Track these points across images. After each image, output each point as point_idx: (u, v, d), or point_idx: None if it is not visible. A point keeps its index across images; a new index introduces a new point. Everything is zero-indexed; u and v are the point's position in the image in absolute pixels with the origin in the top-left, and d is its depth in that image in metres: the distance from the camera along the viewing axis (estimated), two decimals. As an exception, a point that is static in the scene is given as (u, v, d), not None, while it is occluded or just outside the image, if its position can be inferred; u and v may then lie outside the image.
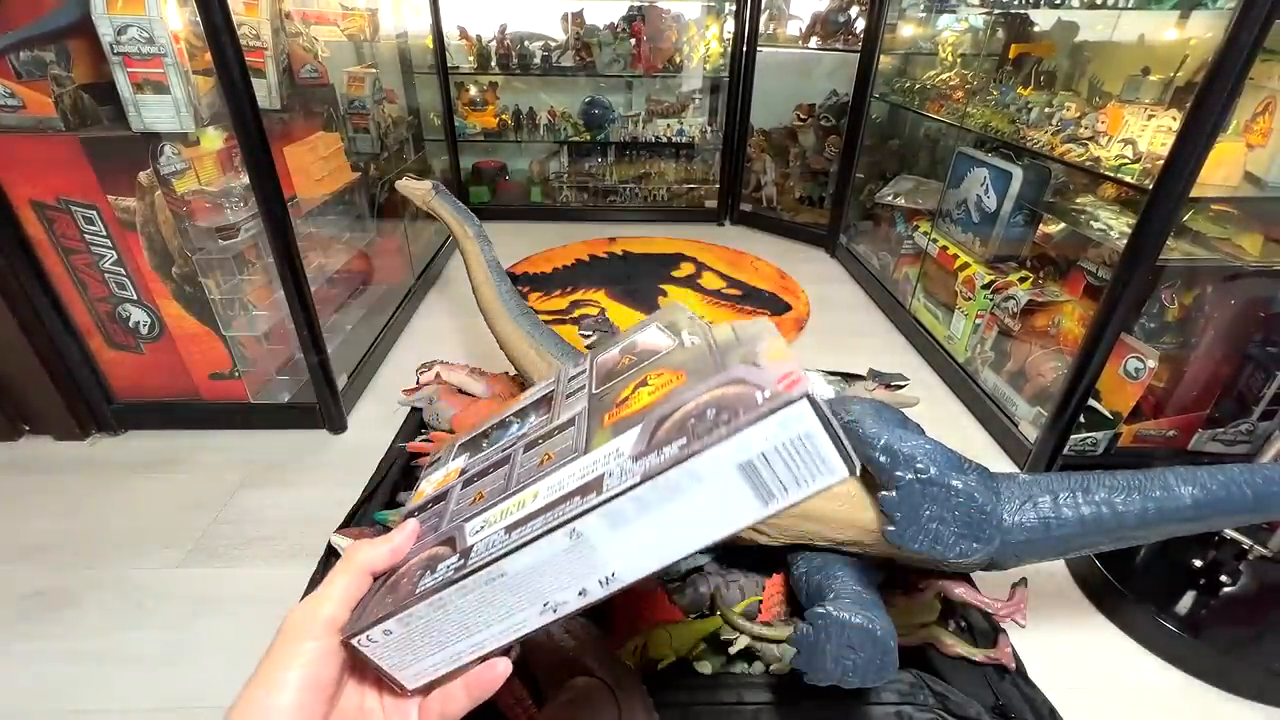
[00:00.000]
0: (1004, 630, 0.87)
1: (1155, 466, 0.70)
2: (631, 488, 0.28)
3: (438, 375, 1.22)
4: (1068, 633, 1.00)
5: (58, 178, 1.11)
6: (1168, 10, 1.33)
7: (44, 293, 1.19)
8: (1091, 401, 1.27)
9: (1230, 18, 0.90)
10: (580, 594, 0.31)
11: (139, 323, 1.27)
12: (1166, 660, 0.95)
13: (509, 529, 0.31)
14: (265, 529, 1.13)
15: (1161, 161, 1.02)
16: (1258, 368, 1.22)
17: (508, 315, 1.18)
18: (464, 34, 2.61)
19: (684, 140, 2.78)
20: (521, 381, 1.19)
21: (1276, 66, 1.06)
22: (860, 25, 2.35)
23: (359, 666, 0.34)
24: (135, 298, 1.24)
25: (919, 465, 0.66)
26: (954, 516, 0.66)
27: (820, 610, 0.67)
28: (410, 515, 0.41)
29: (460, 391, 1.21)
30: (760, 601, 0.88)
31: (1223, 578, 0.99)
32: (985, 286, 1.54)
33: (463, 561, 0.31)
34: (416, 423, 1.28)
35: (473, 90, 2.73)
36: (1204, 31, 1.28)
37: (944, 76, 1.99)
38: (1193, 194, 1.00)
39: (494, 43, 2.61)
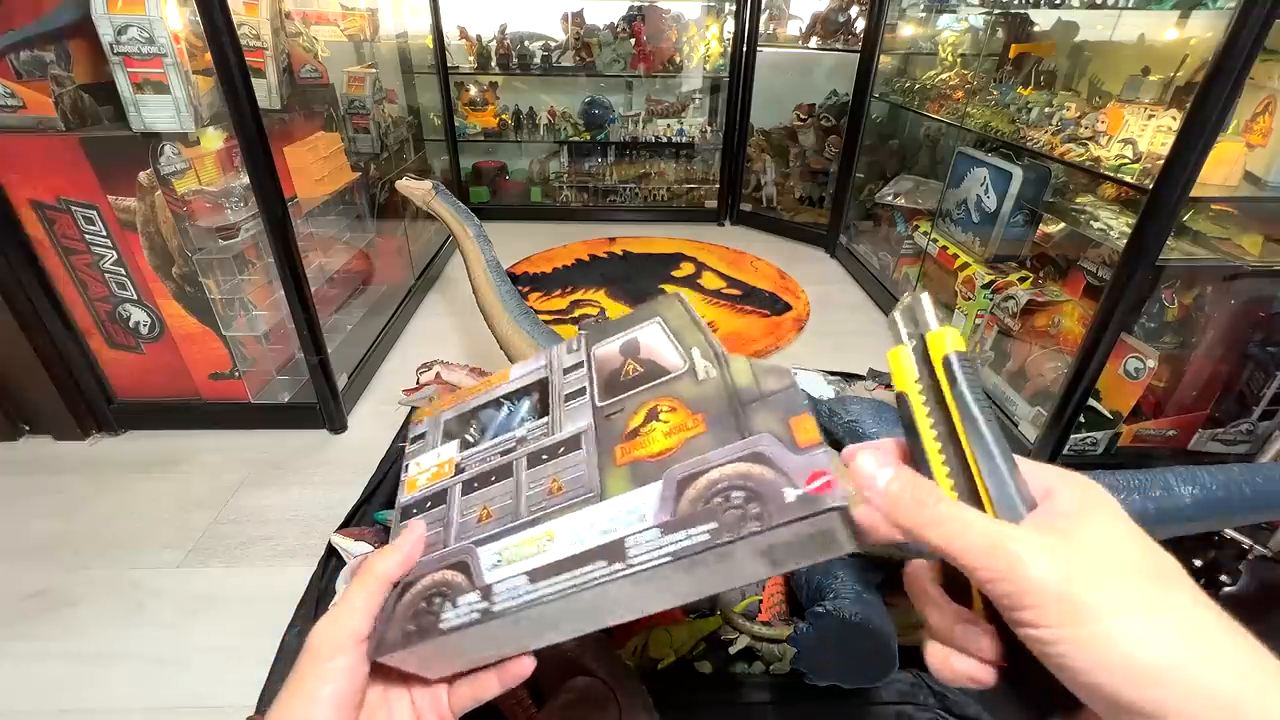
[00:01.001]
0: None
1: (1155, 466, 0.70)
2: (660, 565, 0.30)
3: (438, 375, 1.22)
4: (1068, 633, 1.00)
5: (58, 178, 1.11)
6: (1168, 10, 1.33)
7: (44, 293, 1.19)
8: (1091, 401, 1.27)
9: (1230, 18, 0.90)
10: (600, 626, 0.34)
11: (139, 323, 1.27)
12: (1166, 660, 0.94)
13: (531, 576, 0.32)
14: (265, 529, 1.13)
15: (1161, 161, 1.02)
16: (1258, 367, 1.22)
17: (508, 315, 1.19)
18: (464, 34, 2.61)
19: (684, 140, 2.78)
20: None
21: (1276, 66, 1.06)
22: (860, 25, 2.35)
23: (384, 669, 0.35)
24: (135, 298, 1.24)
25: None
26: None
27: (820, 610, 0.67)
28: (407, 510, 0.41)
29: (460, 391, 1.20)
30: (760, 601, 0.88)
31: (1223, 578, 0.99)
32: (985, 286, 1.54)
33: (486, 604, 0.33)
34: (416, 423, 1.28)
35: (473, 90, 2.74)
36: (1204, 31, 1.28)
37: (944, 76, 1.99)
38: (1193, 194, 1.00)
39: (494, 43, 2.61)
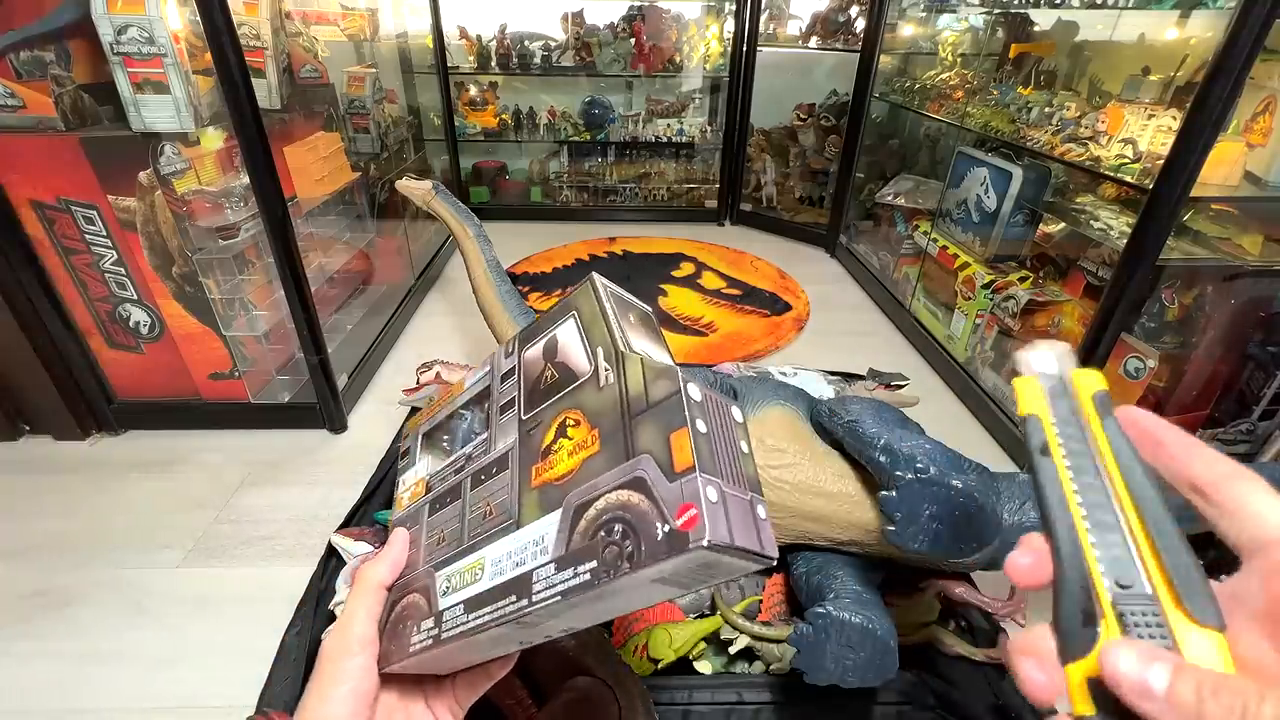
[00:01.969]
0: (1004, 630, 0.87)
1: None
2: (555, 600, 0.30)
3: (438, 375, 1.22)
4: (1068, 632, 1.00)
5: (58, 178, 1.11)
6: (1168, 10, 1.33)
7: (44, 293, 1.19)
8: (1091, 401, 1.27)
9: (1230, 17, 0.90)
10: (546, 637, 0.34)
11: (139, 322, 1.27)
12: (1166, 660, 0.94)
13: (467, 606, 0.34)
14: (265, 529, 1.13)
15: (1161, 161, 1.02)
16: (1258, 367, 1.22)
17: (508, 315, 1.19)
18: (464, 34, 2.61)
19: (684, 140, 2.78)
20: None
21: (1276, 66, 1.06)
22: (860, 25, 2.35)
23: (397, 674, 0.39)
24: (135, 297, 1.24)
25: (919, 465, 0.66)
26: (954, 516, 0.66)
27: (820, 610, 0.67)
28: (399, 524, 0.43)
29: (460, 391, 1.20)
30: (760, 601, 0.88)
31: (1223, 577, 0.99)
32: (985, 286, 1.54)
33: (437, 631, 0.35)
34: (416, 423, 1.28)
35: (473, 90, 2.73)
36: (1204, 31, 1.28)
37: (944, 76, 1.99)
38: (1193, 194, 1.00)
39: (494, 42, 2.61)
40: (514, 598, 0.32)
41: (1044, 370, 0.26)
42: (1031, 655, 0.22)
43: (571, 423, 0.35)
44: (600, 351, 0.36)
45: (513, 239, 2.48)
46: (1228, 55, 0.91)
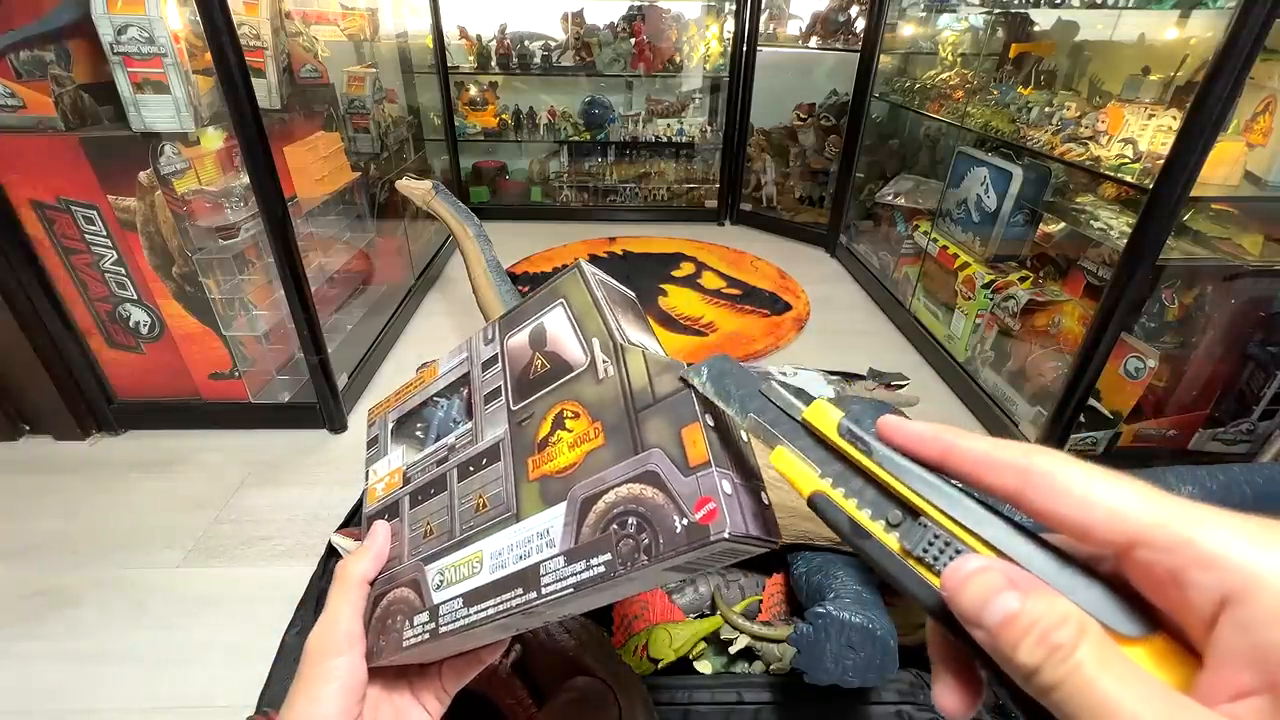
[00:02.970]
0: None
1: (1155, 466, 0.70)
2: (567, 593, 0.30)
3: (438, 375, 1.22)
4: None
5: (58, 178, 1.11)
6: (1168, 10, 1.33)
7: (44, 293, 1.19)
8: (1091, 401, 1.27)
9: (1230, 17, 0.90)
10: (544, 623, 0.35)
11: (139, 322, 1.27)
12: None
13: (466, 600, 0.34)
14: (265, 529, 1.13)
15: (1162, 161, 1.02)
16: (1258, 367, 1.22)
17: (508, 315, 1.18)
18: (464, 34, 2.61)
19: (684, 140, 2.78)
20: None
21: (1276, 66, 1.06)
22: (860, 25, 2.35)
23: (382, 668, 0.38)
24: (135, 297, 1.24)
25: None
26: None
27: (820, 610, 0.67)
28: (371, 519, 0.42)
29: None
30: (760, 601, 0.88)
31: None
32: (985, 286, 1.54)
33: (434, 625, 0.34)
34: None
35: (473, 90, 2.73)
36: (1204, 31, 1.28)
37: (944, 76, 1.99)
38: (1193, 193, 1.00)
39: (494, 42, 2.61)
40: (520, 590, 0.31)
41: (768, 422, 0.27)
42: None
43: (570, 414, 0.34)
44: (597, 343, 0.35)
45: (513, 239, 2.48)
46: (1228, 55, 0.90)
